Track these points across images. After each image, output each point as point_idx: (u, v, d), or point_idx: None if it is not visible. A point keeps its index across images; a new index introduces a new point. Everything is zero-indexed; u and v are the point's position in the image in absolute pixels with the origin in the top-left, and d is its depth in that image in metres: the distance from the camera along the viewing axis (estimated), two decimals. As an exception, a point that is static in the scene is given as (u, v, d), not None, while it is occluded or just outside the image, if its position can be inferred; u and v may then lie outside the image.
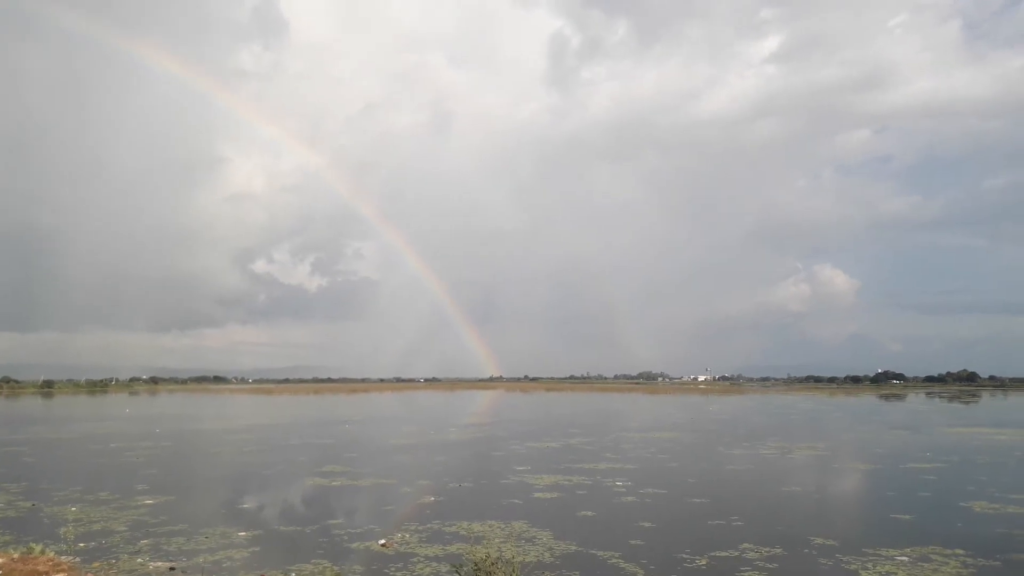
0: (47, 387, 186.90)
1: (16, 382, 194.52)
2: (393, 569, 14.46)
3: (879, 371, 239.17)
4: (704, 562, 14.89)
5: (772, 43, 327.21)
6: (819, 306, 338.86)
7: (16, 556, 12.91)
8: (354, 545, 16.45)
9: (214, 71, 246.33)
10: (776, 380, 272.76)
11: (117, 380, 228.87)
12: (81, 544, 15.96)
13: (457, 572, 11.96)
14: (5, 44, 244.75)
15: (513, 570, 10.90)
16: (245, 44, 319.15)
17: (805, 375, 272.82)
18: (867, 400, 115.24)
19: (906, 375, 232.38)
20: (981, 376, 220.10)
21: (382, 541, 16.62)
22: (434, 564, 14.69)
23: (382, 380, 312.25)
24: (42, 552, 13.36)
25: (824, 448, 37.90)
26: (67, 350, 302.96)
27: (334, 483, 26.05)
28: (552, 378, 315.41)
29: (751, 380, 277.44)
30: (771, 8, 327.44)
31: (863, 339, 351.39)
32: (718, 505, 21.40)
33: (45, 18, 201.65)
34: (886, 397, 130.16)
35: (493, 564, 10.86)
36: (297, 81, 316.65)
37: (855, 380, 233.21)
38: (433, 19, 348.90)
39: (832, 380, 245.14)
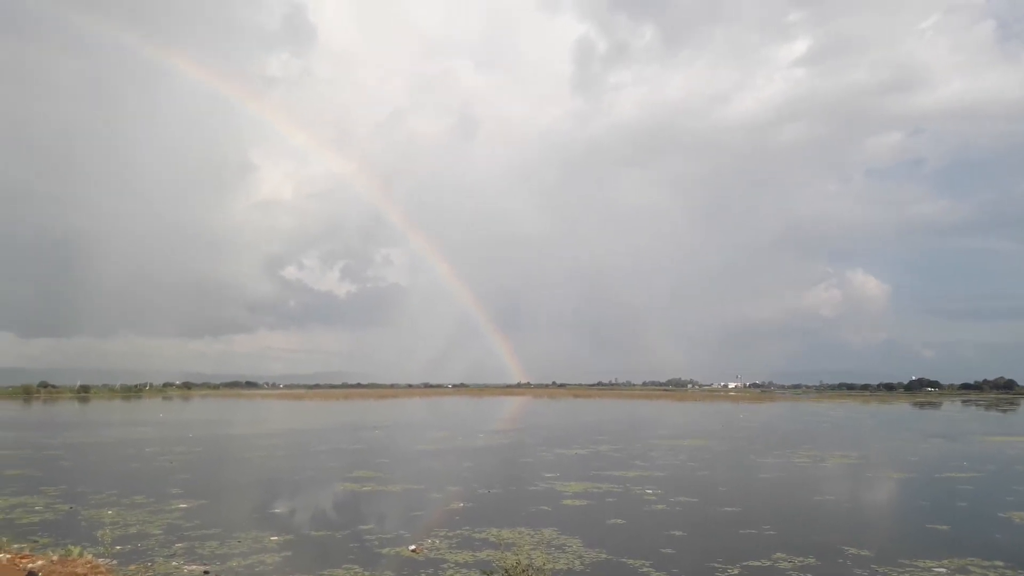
0: (83, 392, 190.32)
1: (53, 387, 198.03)
2: (423, 575, 14.51)
3: (913, 378, 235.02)
4: (736, 571, 14.74)
5: (800, 46, 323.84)
6: (851, 312, 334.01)
7: (55, 558, 13.16)
8: (384, 550, 16.52)
9: (243, 78, 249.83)
10: (808, 387, 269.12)
11: (151, 385, 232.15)
12: (118, 547, 16.22)
13: (488, 578, 11.99)
14: (41, 54, 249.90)
15: (544, 577, 10.88)
16: (274, 51, 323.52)
17: (837, 382, 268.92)
18: (901, 408, 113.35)
19: (941, 382, 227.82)
20: (1019, 384, 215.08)
21: (412, 547, 16.68)
22: (464, 570, 14.71)
23: (410, 386, 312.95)
24: (80, 554, 13.61)
25: (857, 456, 37.33)
26: (102, 355, 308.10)
27: (364, 488, 26.20)
28: (579, 384, 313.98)
29: (782, 387, 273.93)
30: (799, 11, 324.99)
31: (896, 345, 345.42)
32: (750, 514, 21.17)
33: (79, 29, 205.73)
34: (920, 405, 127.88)
35: (524, 571, 10.86)
36: (325, 88, 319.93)
37: (888, 387, 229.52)
38: (459, 25, 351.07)
39: (865, 387, 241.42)
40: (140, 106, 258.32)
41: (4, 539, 14.37)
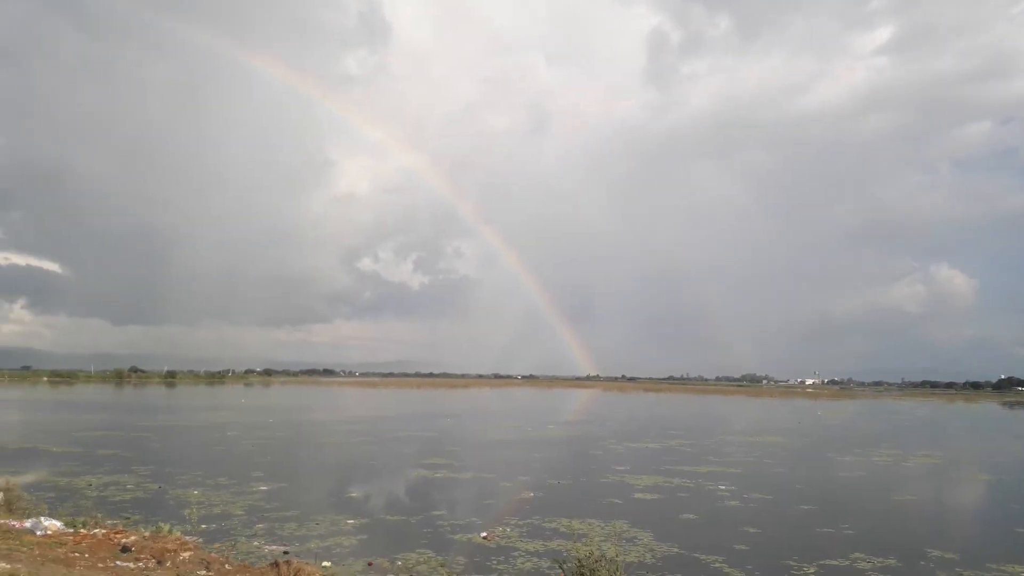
0: (170, 377, 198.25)
1: (143, 372, 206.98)
2: (495, 562, 14.68)
3: (1002, 377, 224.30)
4: (812, 570, 14.43)
5: (883, 34, 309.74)
6: (936, 308, 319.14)
7: (147, 534, 13.80)
8: (457, 536, 16.78)
9: (322, 76, 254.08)
10: (889, 385, 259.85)
11: (233, 372, 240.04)
12: (203, 525, 16.90)
13: (561, 567, 12.04)
14: (130, 56, 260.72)
15: (617, 569, 10.87)
16: (351, 49, 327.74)
17: (921, 380, 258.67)
18: (989, 407, 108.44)
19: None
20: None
21: (484, 534, 16.89)
22: (535, 559, 14.82)
23: (481, 376, 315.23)
24: (170, 531, 14.25)
25: (942, 456, 35.96)
26: (188, 342, 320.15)
27: (437, 475, 26.63)
28: (650, 378, 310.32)
29: (862, 384, 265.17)
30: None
31: (984, 342, 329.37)
32: (827, 512, 20.68)
33: (166, 31, 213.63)
34: (1010, 404, 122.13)
35: (597, 562, 10.86)
36: (400, 84, 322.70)
37: (975, 386, 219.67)
38: (531, 19, 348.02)
39: (950, 386, 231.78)
40: (225, 105, 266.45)
41: (99, 515, 15.14)
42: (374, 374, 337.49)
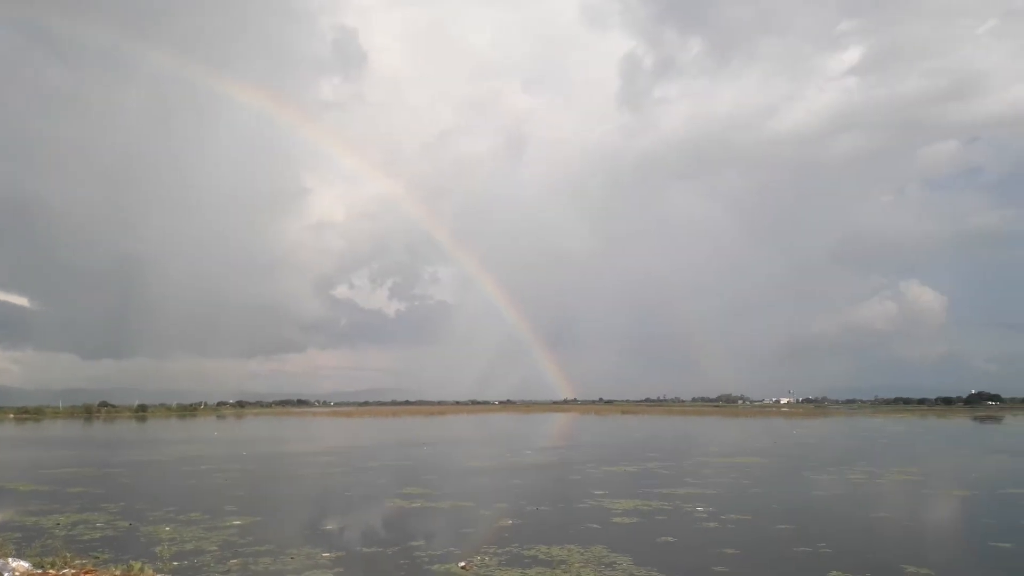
0: (141, 411, 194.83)
1: (113, 407, 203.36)
2: (473, 592, 14.54)
3: (972, 392, 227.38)
4: (790, 590, 14.47)
5: (853, 55, 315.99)
6: (907, 325, 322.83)
7: (118, 573, 13.51)
8: (434, 567, 16.61)
9: (297, 104, 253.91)
10: (863, 403, 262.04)
11: (206, 404, 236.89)
12: (175, 563, 16.59)
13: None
14: (101, 83, 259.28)
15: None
16: (326, 76, 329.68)
17: (893, 397, 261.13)
18: (961, 423, 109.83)
19: (1002, 396, 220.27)
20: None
21: (462, 563, 16.74)
22: (514, 587, 14.70)
23: (458, 403, 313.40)
24: (141, 569, 13.95)
25: (916, 473, 36.32)
26: (159, 375, 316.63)
27: (414, 505, 26.38)
28: (627, 401, 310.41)
29: (836, 403, 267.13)
30: (851, 20, 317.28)
31: (954, 359, 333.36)
32: (804, 531, 20.76)
33: (141, 59, 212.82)
34: (981, 419, 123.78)
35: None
36: (375, 111, 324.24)
37: (947, 402, 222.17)
38: (507, 46, 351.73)
39: (922, 402, 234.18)
40: (198, 133, 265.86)
41: (68, 555, 14.79)
42: (349, 403, 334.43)
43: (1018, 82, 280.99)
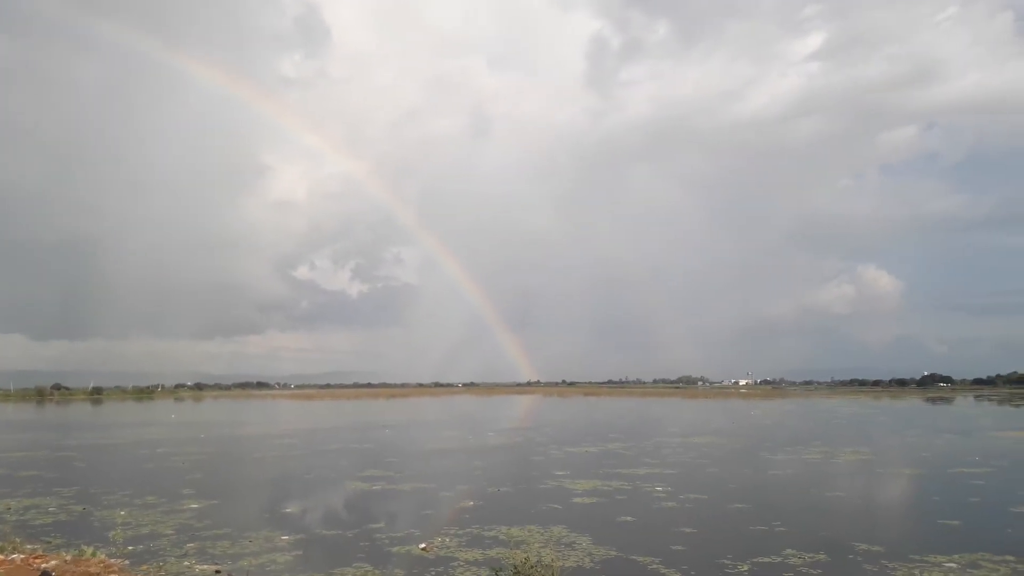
0: (96, 394, 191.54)
1: (67, 389, 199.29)
2: (434, 573, 14.56)
3: (925, 374, 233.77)
4: (746, 568, 14.73)
5: (815, 40, 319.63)
6: (863, 308, 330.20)
7: (68, 558, 13.27)
8: (395, 549, 16.58)
9: (257, 80, 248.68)
10: (819, 384, 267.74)
11: (163, 386, 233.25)
12: (130, 547, 16.35)
13: (497, 575, 12.01)
14: (55, 58, 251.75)
15: (552, 574, 10.91)
16: (287, 53, 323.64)
17: (849, 379, 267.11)
18: (913, 404, 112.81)
19: (954, 378, 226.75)
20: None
21: (422, 545, 16.74)
22: (474, 568, 14.75)
23: (421, 385, 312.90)
24: (93, 554, 13.72)
25: (869, 452, 37.20)
26: (115, 357, 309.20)
27: (375, 487, 26.29)
28: (590, 382, 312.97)
29: (793, 384, 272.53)
30: (814, 5, 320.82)
31: (909, 341, 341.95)
32: (760, 510, 21.13)
33: (93, 33, 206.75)
34: (933, 400, 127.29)
35: (532, 568, 10.89)
36: (339, 88, 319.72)
37: (901, 383, 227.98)
38: (474, 24, 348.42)
39: (877, 383, 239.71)
40: (154, 109, 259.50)
41: (18, 540, 14.50)
42: (310, 386, 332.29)
43: (976, 69, 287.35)
